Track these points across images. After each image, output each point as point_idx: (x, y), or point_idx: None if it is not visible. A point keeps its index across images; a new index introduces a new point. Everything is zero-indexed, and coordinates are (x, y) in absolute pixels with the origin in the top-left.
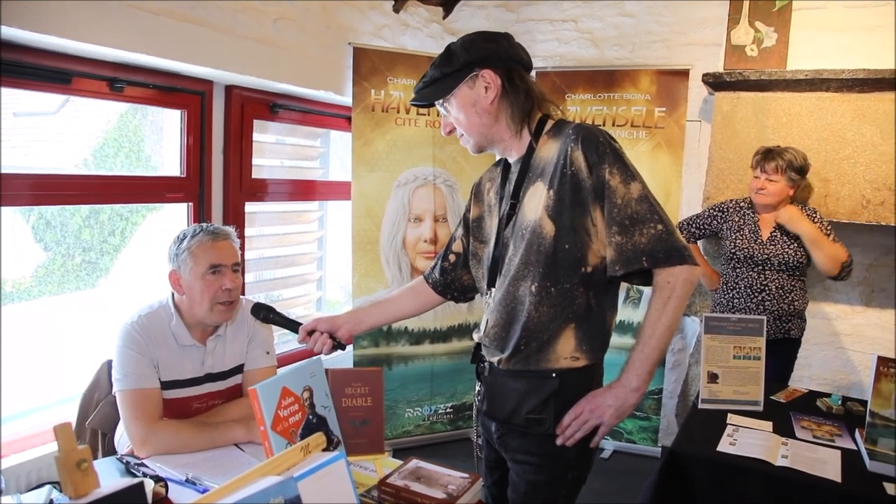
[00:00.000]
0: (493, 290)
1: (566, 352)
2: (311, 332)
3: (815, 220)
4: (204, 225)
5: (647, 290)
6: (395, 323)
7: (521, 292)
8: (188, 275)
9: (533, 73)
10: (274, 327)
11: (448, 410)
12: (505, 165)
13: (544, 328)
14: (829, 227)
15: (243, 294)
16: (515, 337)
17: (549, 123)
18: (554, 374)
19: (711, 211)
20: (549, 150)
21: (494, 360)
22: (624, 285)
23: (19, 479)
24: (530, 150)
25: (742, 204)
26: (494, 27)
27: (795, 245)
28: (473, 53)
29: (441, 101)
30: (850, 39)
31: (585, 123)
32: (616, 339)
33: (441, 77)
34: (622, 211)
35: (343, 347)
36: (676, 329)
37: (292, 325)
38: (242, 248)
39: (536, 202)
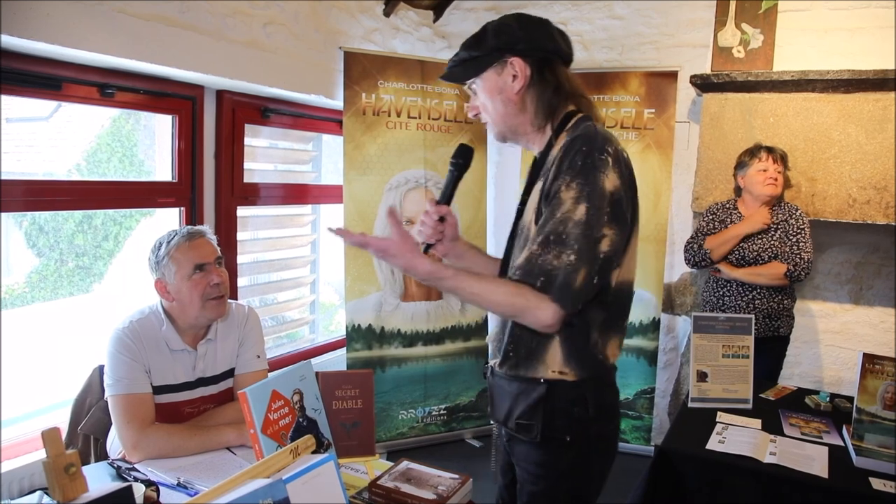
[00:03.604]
0: None
1: (554, 364)
2: (442, 219)
3: (795, 217)
4: (177, 229)
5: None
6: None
7: None
8: (174, 279)
9: None
10: (264, 333)
11: (442, 412)
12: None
13: (530, 336)
14: (802, 227)
15: (236, 298)
16: (506, 341)
17: (574, 119)
18: (542, 381)
19: (708, 216)
20: (558, 149)
21: (493, 362)
22: None
23: (11, 486)
24: (548, 148)
25: (728, 205)
26: None
27: (781, 236)
28: (503, 39)
29: (468, 83)
30: (835, 41)
31: (593, 127)
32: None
33: (469, 58)
34: (555, 225)
35: (427, 251)
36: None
37: (448, 192)
38: (234, 251)
39: (534, 204)
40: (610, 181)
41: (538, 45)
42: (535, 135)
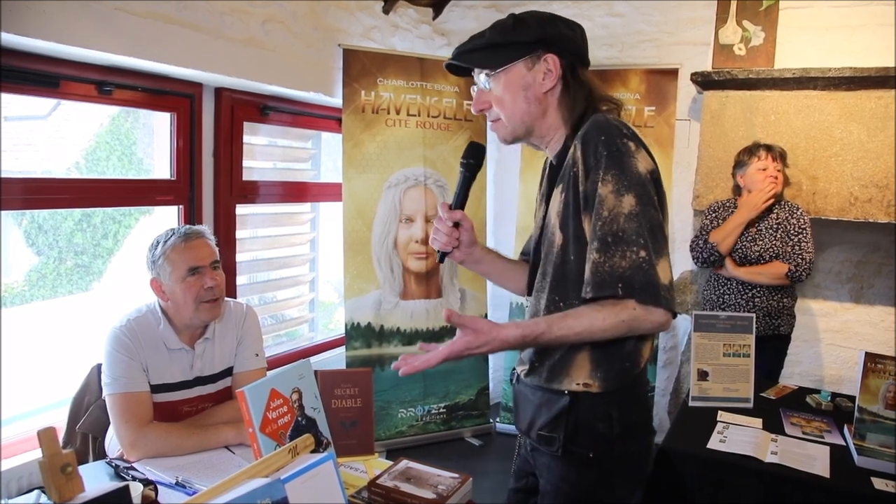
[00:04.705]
0: (531, 298)
1: (579, 377)
2: (457, 224)
3: (796, 217)
4: (175, 228)
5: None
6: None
7: (538, 305)
8: (168, 280)
9: None
10: (263, 331)
11: (441, 410)
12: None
13: (556, 347)
14: (803, 227)
15: (235, 297)
16: (532, 351)
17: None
18: (566, 392)
19: (710, 214)
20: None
21: (521, 369)
22: None
23: (10, 485)
24: (564, 150)
25: (728, 204)
26: (485, 27)
27: (782, 236)
28: (550, 31)
29: (487, 71)
30: (836, 38)
31: (602, 116)
32: None
33: (503, 43)
34: (607, 225)
35: (442, 260)
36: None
37: (460, 197)
38: (233, 249)
39: (556, 207)
40: (642, 163)
41: (574, 48)
42: (552, 137)
